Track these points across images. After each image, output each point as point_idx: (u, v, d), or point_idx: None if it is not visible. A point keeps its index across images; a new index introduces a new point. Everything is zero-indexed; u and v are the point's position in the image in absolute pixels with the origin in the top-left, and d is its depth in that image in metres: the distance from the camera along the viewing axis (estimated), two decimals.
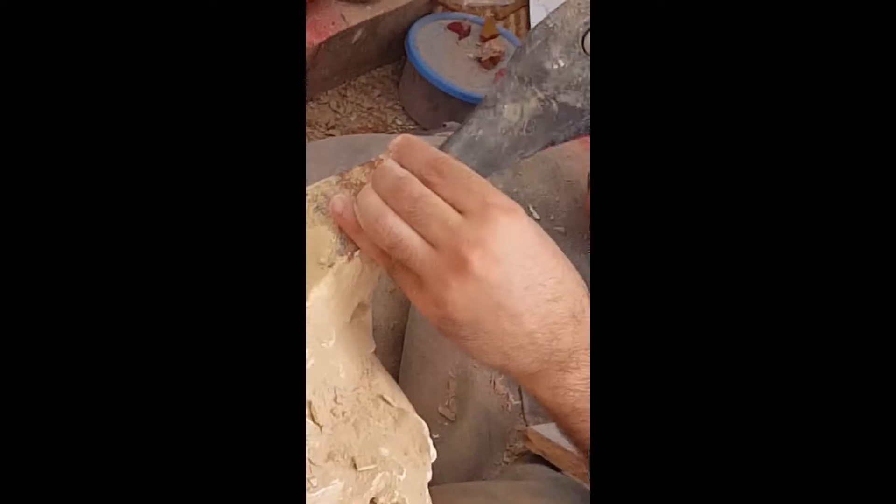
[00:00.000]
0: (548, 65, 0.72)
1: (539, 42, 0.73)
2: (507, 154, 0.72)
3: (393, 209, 0.65)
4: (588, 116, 0.72)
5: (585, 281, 0.69)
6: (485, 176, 0.69)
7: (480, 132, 0.72)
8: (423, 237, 0.65)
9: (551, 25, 0.74)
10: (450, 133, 0.75)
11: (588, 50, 0.72)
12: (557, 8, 0.74)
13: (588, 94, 0.72)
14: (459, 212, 0.64)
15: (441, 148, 0.72)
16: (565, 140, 0.73)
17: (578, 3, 0.74)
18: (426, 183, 0.66)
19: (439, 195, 0.65)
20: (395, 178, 0.66)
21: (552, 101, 0.72)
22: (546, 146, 0.73)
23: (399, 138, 0.69)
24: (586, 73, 0.72)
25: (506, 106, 0.72)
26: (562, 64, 0.72)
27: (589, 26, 0.72)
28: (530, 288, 0.64)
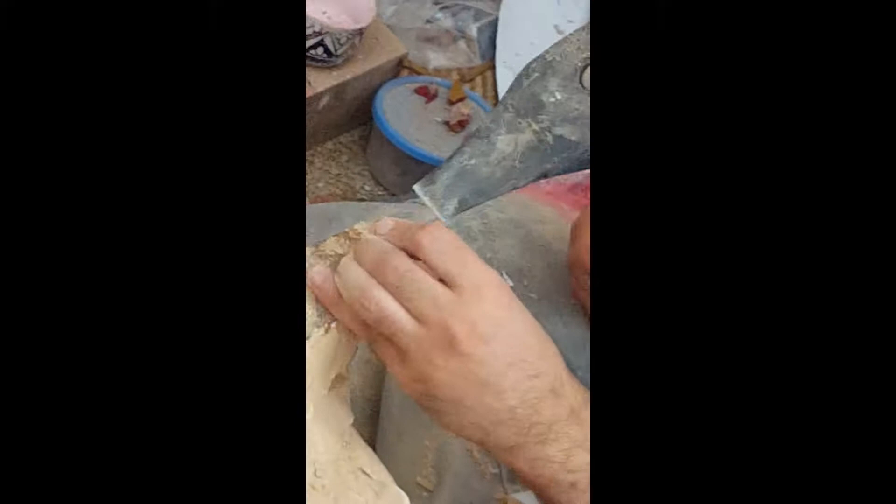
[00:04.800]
0: (544, 97, 0.73)
1: (537, 75, 0.74)
2: (499, 184, 0.72)
3: (378, 282, 0.65)
4: (582, 149, 0.72)
5: (559, 347, 0.69)
6: (475, 204, 0.71)
7: (473, 161, 0.72)
8: (409, 312, 0.64)
9: (550, 59, 0.74)
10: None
11: (586, 85, 0.72)
12: (557, 42, 0.75)
13: (584, 128, 0.72)
14: (447, 283, 0.64)
15: (433, 174, 0.72)
16: (558, 173, 0.74)
17: (578, 39, 0.74)
18: (416, 250, 0.66)
19: (429, 263, 0.65)
20: (381, 251, 0.66)
21: (547, 133, 0.72)
22: (539, 178, 0.73)
23: (388, 222, 0.70)
24: (582, 107, 0.72)
25: (500, 136, 0.73)
26: (559, 97, 0.73)
27: (588, 62, 0.73)
28: (514, 365, 0.64)
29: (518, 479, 0.70)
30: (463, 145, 0.73)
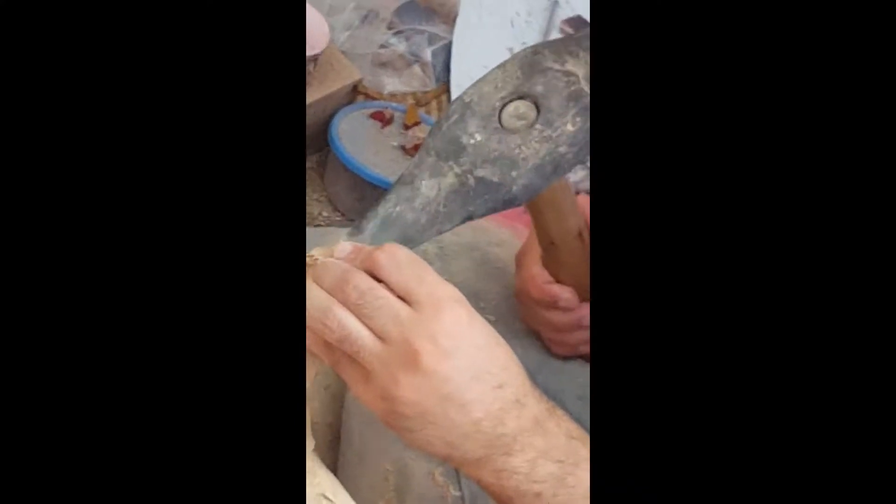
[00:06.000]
0: (464, 139, 0.73)
1: (456, 117, 0.74)
2: (425, 229, 0.72)
3: (339, 301, 0.66)
4: (505, 190, 0.72)
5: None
6: None
7: (398, 208, 0.72)
8: (371, 330, 0.65)
9: (468, 100, 0.74)
10: None
11: (505, 124, 0.73)
12: (474, 83, 0.75)
13: (505, 169, 0.72)
14: (407, 301, 0.65)
15: (360, 223, 0.72)
16: (483, 215, 0.74)
17: (496, 79, 0.74)
18: (374, 269, 0.66)
19: (388, 282, 0.66)
20: (341, 272, 0.67)
21: (469, 175, 0.72)
22: (463, 221, 0.73)
23: (346, 246, 0.70)
24: (503, 147, 0.72)
25: (423, 182, 0.73)
26: (478, 138, 0.73)
27: (506, 101, 0.73)
28: (477, 377, 0.65)
29: (486, 491, 0.70)
30: (388, 192, 0.73)
